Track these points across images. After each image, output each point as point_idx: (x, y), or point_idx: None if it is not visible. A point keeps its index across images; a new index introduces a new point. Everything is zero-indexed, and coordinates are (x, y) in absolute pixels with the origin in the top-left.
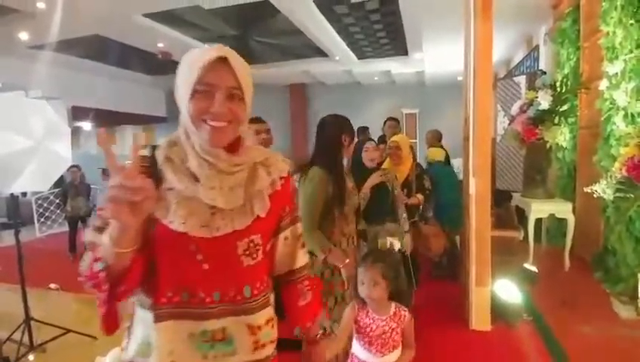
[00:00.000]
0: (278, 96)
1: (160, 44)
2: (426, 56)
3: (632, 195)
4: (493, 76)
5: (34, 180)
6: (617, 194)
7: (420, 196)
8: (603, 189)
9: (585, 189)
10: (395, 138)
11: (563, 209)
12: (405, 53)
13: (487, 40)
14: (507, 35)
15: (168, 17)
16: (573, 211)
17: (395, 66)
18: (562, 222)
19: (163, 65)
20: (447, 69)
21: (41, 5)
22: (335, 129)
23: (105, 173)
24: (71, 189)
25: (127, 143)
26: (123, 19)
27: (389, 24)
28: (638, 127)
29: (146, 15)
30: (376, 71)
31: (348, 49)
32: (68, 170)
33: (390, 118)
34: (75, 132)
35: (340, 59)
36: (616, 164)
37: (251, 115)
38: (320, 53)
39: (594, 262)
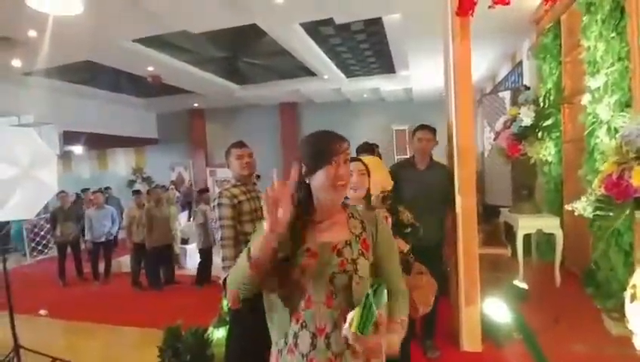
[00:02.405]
0: (269, 115)
1: (150, 68)
2: (412, 73)
3: (612, 213)
4: (480, 91)
5: (19, 209)
6: (597, 213)
7: (400, 241)
8: (583, 207)
9: (566, 207)
10: (365, 160)
11: (550, 224)
12: (392, 70)
13: (466, 58)
14: (492, 51)
15: (157, 42)
16: (562, 225)
17: (383, 84)
18: (552, 236)
19: (154, 88)
20: (434, 85)
21: (32, 33)
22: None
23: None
24: (60, 214)
25: (119, 166)
26: (112, 45)
27: (375, 43)
28: (615, 144)
29: (135, 40)
30: (365, 88)
31: (336, 68)
32: (57, 195)
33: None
34: (67, 156)
35: (329, 78)
36: (596, 181)
37: (235, 140)
38: (309, 72)
39: (585, 277)
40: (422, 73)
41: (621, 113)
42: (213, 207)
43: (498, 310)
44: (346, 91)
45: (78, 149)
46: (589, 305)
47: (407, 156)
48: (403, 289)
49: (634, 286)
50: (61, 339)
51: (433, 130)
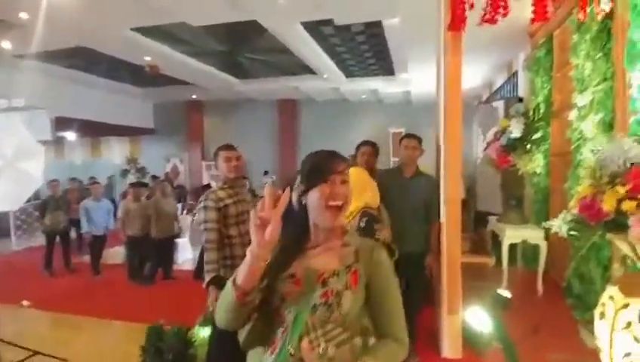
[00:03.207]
0: (267, 110)
1: (147, 58)
2: (411, 76)
3: (584, 235)
4: (476, 98)
5: (2, 200)
6: (571, 233)
7: None
8: (559, 225)
9: (543, 224)
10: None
11: (535, 235)
12: (392, 73)
13: (457, 73)
14: (489, 59)
15: (156, 32)
16: (547, 236)
17: (382, 85)
18: (537, 245)
19: (152, 78)
20: (433, 89)
21: (23, 15)
22: None
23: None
24: (51, 203)
25: (113, 155)
26: (109, 32)
27: (375, 45)
28: (590, 167)
29: (133, 29)
30: (363, 89)
31: (336, 67)
32: (48, 183)
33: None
34: (59, 142)
35: (328, 77)
36: (571, 202)
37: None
38: (308, 70)
39: (565, 288)
40: (421, 77)
41: (603, 132)
42: (199, 209)
43: (479, 318)
44: (344, 91)
45: (70, 136)
46: (568, 315)
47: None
48: (400, 337)
49: (603, 304)
50: (46, 332)
51: (419, 139)
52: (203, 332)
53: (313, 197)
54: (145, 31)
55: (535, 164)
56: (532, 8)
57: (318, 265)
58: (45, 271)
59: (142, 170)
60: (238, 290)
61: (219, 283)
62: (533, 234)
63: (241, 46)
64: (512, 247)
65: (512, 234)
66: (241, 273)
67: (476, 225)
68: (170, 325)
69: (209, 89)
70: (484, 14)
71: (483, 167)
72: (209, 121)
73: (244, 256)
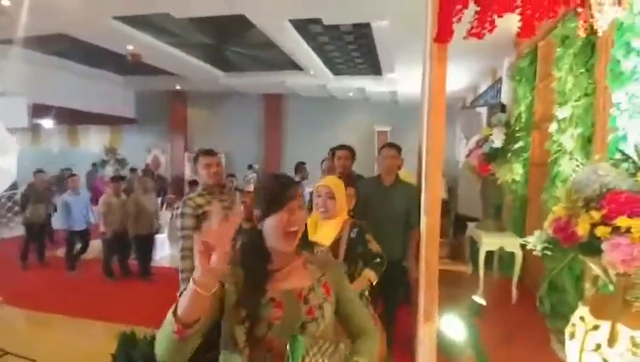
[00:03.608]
0: (252, 104)
1: (130, 47)
2: (398, 76)
3: (557, 255)
4: (461, 101)
5: None
6: (545, 252)
7: (369, 273)
8: (534, 243)
9: (519, 241)
10: (326, 181)
11: (512, 243)
12: (379, 72)
13: (441, 83)
14: (474, 64)
15: (140, 22)
16: (524, 244)
17: (368, 84)
18: (514, 252)
19: (134, 66)
20: (419, 90)
21: (5, 3)
22: None
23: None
24: (33, 195)
25: (91, 144)
26: (91, 20)
27: (363, 45)
28: (567, 189)
29: (117, 18)
30: (350, 87)
31: (323, 65)
32: (34, 173)
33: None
34: (35, 130)
35: (315, 74)
36: (546, 223)
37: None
38: (296, 66)
39: (540, 297)
40: (408, 77)
41: (581, 147)
42: (176, 215)
43: (454, 326)
44: (331, 88)
45: (47, 123)
46: (541, 324)
47: None
48: (370, 332)
49: (573, 324)
50: (14, 330)
51: (398, 148)
52: None
53: (271, 224)
54: (129, 20)
55: (513, 173)
56: (519, 24)
57: (292, 284)
58: (21, 263)
59: (122, 161)
60: (179, 323)
61: None
62: (510, 242)
63: (228, 40)
64: (490, 254)
65: (489, 242)
66: (183, 303)
67: (455, 230)
68: (144, 326)
69: (193, 80)
70: (471, 28)
71: (465, 172)
72: (193, 112)
73: None
